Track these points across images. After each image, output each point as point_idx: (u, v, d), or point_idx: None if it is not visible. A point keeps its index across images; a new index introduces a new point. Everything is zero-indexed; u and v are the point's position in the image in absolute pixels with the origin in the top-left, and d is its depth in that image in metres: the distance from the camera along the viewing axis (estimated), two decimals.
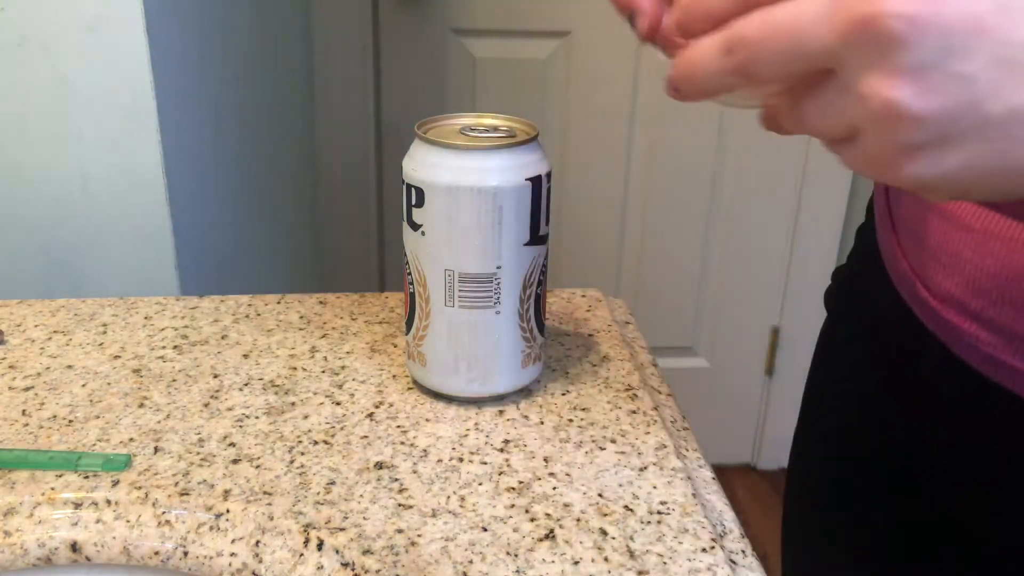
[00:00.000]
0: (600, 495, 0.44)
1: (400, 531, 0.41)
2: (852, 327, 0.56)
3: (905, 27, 0.25)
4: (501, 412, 0.51)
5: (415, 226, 0.48)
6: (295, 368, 0.55)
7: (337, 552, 0.40)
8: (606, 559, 0.40)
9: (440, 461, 0.46)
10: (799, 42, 0.27)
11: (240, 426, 0.49)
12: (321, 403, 0.51)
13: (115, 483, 0.44)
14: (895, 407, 0.50)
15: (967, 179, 0.28)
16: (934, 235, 0.46)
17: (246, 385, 0.53)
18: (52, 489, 0.44)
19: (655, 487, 0.44)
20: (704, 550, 0.40)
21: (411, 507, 0.43)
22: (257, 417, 0.50)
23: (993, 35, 0.25)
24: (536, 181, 0.47)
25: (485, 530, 0.41)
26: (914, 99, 0.26)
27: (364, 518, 0.42)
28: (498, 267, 0.48)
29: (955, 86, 0.26)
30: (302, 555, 0.41)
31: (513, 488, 0.44)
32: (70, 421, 0.49)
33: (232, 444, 0.47)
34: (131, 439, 0.48)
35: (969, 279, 0.44)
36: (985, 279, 0.43)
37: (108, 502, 0.43)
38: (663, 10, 0.35)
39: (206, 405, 0.51)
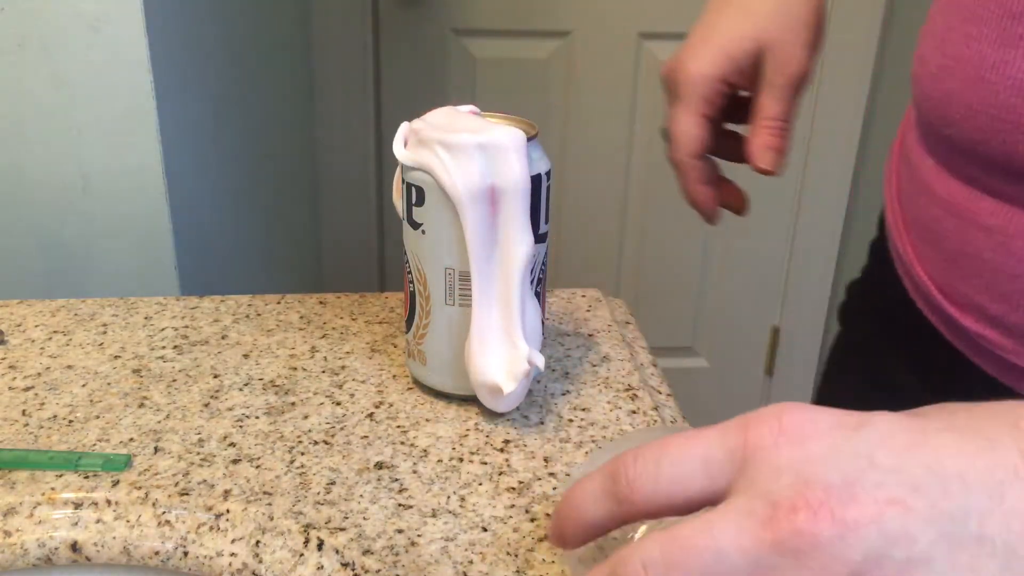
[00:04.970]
0: None
1: (400, 531, 0.41)
2: (873, 341, 0.55)
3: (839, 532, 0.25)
4: (501, 412, 0.50)
5: (415, 225, 0.48)
6: (295, 368, 0.55)
7: (337, 552, 0.40)
8: (607, 557, 0.40)
9: (440, 461, 0.46)
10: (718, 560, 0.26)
11: (240, 426, 0.49)
12: (321, 403, 0.51)
13: (115, 483, 0.44)
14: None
15: None
16: (951, 238, 0.44)
17: (246, 385, 0.53)
18: (52, 489, 0.44)
19: None
20: None
21: (411, 507, 0.43)
22: (257, 417, 0.50)
23: (923, 512, 0.25)
24: (536, 180, 0.47)
25: (485, 530, 0.41)
26: None
27: (364, 518, 0.42)
28: None
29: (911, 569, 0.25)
30: (302, 555, 0.41)
31: (513, 488, 0.44)
32: (70, 421, 0.49)
33: (232, 444, 0.47)
34: (131, 439, 0.47)
35: (988, 282, 0.42)
36: (1006, 281, 0.41)
37: (108, 502, 0.43)
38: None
39: (206, 405, 0.51)
